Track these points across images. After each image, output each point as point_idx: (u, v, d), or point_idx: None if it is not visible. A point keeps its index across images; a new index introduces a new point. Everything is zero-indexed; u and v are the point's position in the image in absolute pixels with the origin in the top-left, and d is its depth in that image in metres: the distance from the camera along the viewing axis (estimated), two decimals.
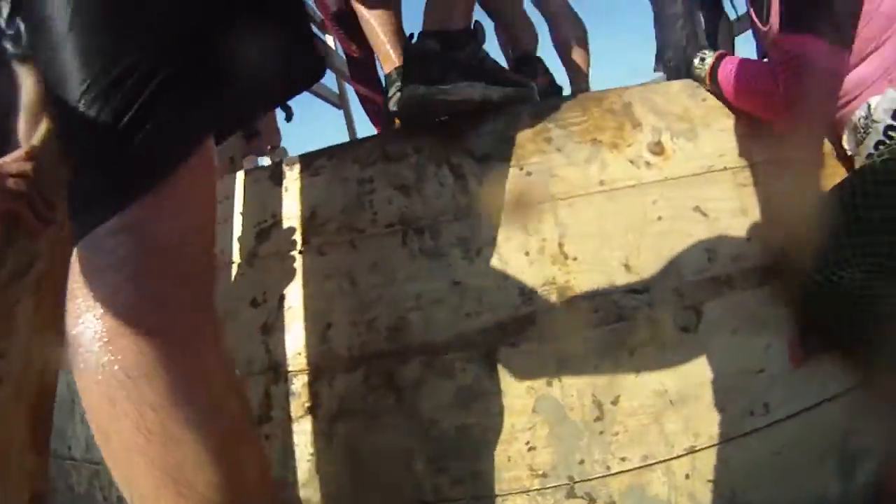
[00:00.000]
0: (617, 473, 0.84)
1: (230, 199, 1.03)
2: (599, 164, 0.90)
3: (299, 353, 0.90)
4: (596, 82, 1.87)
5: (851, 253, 0.82)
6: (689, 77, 1.04)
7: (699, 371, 0.88)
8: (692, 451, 0.86)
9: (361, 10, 1.16)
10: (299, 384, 0.91)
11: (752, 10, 1.08)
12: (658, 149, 0.92)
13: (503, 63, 1.85)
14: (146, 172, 0.49)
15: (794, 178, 0.96)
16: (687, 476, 0.85)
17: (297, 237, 0.93)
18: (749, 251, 0.92)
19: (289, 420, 0.91)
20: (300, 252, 0.93)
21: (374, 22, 1.11)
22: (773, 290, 0.92)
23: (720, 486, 0.86)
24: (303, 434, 0.90)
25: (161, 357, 0.46)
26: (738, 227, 0.93)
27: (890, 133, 0.88)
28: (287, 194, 0.96)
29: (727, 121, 0.98)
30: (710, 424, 0.87)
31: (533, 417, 0.85)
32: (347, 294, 0.89)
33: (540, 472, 0.84)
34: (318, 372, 0.89)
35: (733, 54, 1.06)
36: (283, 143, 3.10)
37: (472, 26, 0.93)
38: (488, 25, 2.00)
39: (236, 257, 0.98)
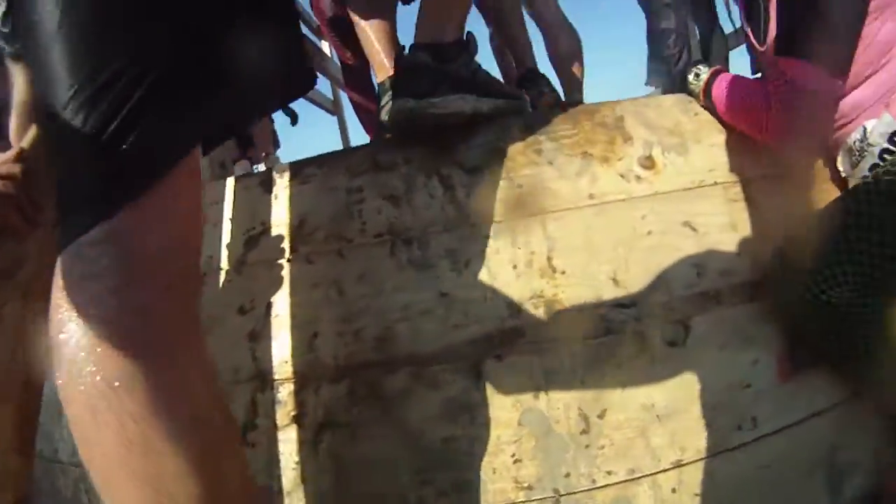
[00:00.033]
0: (603, 487, 0.85)
1: (220, 205, 1.03)
2: (590, 177, 0.91)
3: (286, 362, 0.91)
4: (589, 94, 1.90)
5: (842, 271, 0.83)
6: (684, 91, 1.06)
7: (686, 385, 0.88)
8: (679, 464, 0.87)
9: (357, 18, 1.18)
10: (285, 393, 0.91)
11: (749, 29, 1.10)
12: (649, 163, 0.93)
13: (497, 74, 1.89)
14: (131, 182, 0.49)
15: (785, 195, 0.98)
16: (673, 490, 0.85)
17: (286, 245, 0.94)
18: (738, 266, 0.93)
19: (274, 428, 0.91)
20: (288, 260, 0.93)
21: (369, 31, 1.12)
22: (761, 306, 0.93)
23: (707, 500, 0.86)
24: (288, 443, 0.90)
25: (142, 368, 0.47)
26: (727, 242, 0.94)
27: (885, 156, 0.88)
28: (276, 202, 0.97)
29: (719, 136, 0.99)
30: (696, 438, 0.88)
31: (519, 430, 0.85)
32: (335, 303, 0.89)
33: (525, 485, 0.85)
34: (304, 381, 0.90)
35: (727, 68, 1.08)
36: (282, 148, 3.15)
37: (465, 38, 0.94)
38: (482, 34, 2.04)
39: (224, 264, 0.99)
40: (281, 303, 0.93)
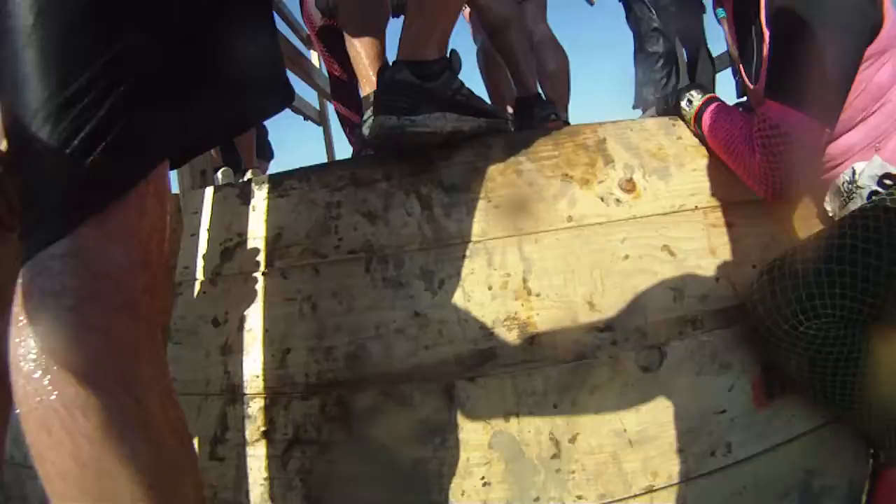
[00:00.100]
0: None
1: (199, 215, 1.05)
2: (568, 199, 0.92)
3: (257, 377, 0.91)
4: (576, 116, 1.94)
5: (821, 304, 0.84)
6: (673, 115, 1.08)
7: (660, 411, 0.90)
8: (650, 490, 0.88)
9: (347, 31, 1.20)
10: (255, 408, 0.92)
11: (741, 65, 1.11)
12: (629, 186, 0.94)
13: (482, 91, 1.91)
14: (95, 195, 0.49)
15: (766, 223, 1.00)
16: None
17: (261, 258, 0.94)
18: (716, 292, 0.95)
19: (244, 443, 0.91)
20: (263, 274, 0.94)
21: (357, 45, 1.13)
22: (738, 332, 0.94)
23: None
24: (257, 459, 0.91)
25: (98, 390, 0.47)
26: (706, 267, 0.95)
27: (874, 199, 0.90)
28: (254, 214, 0.97)
29: (701, 160, 1.00)
30: (669, 464, 0.89)
31: (489, 453, 0.86)
32: (307, 319, 0.90)
33: None
34: (274, 397, 0.90)
35: (714, 90, 1.10)
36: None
37: (448, 55, 0.95)
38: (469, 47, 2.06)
39: (200, 275, 0.99)
40: (254, 317, 0.93)
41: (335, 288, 0.91)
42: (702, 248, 0.96)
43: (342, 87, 1.74)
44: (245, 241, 0.98)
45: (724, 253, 0.97)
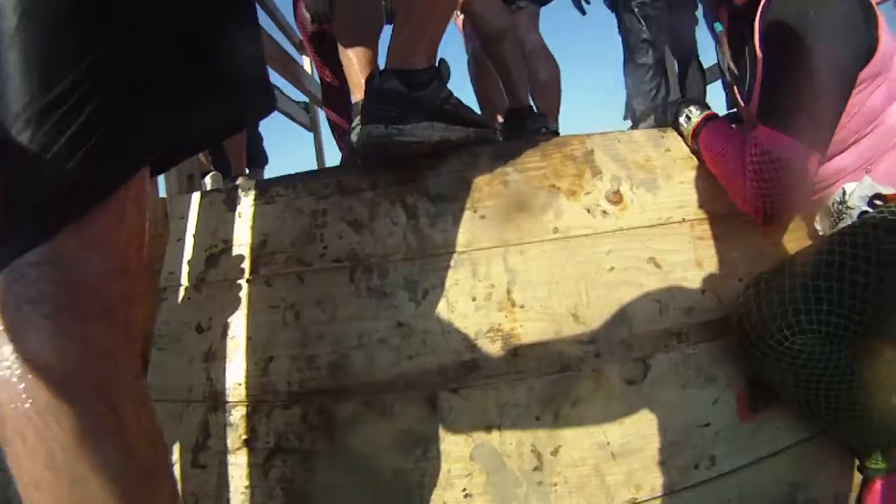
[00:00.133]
0: None
1: (185, 220, 1.06)
2: (555, 211, 0.93)
3: (239, 384, 0.91)
4: (566, 126, 1.96)
5: (807, 320, 0.84)
6: (663, 126, 1.09)
7: (644, 424, 0.90)
8: (633, 502, 0.88)
9: (340, 39, 1.21)
10: (238, 416, 0.92)
11: (735, 85, 1.11)
12: (616, 198, 0.95)
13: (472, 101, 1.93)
14: (74, 202, 0.49)
15: (753, 236, 1.01)
16: None
17: (246, 265, 0.94)
18: (702, 305, 0.96)
19: (225, 451, 0.91)
20: (248, 281, 0.94)
21: (350, 53, 1.14)
22: (724, 345, 0.95)
23: None
24: (238, 467, 0.91)
25: (73, 398, 0.47)
26: (692, 280, 0.96)
27: (863, 217, 0.90)
28: (240, 220, 0.98)
29: (689, 172, 1.01)
30: (652, 477, 0.89)
31: (471, 464, 0.86)
32: (291, 327, 0.90)
33: None
34: (256, 405, 0.91)
35: (704, 100, 1.11)
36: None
37: (437, 64, 0.95)
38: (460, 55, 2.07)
39: (185, 281, 1.00)
40: (238, 324, 0.93)
41: (319, 296, 0.91)
42: (688, 260, 0.97)
43: (333, 92, 1.75)
44: (230, 248, 0.98)
45: (711, 265, 0.98)
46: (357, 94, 1.15)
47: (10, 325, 0.48)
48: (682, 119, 1.06)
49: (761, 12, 0.93)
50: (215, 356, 0.95)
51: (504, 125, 1.66)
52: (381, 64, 1.19)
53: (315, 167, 3.25)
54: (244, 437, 0.92)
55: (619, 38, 2.08)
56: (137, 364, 0.55)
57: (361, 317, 0.90)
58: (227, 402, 0.93)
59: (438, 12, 0.94)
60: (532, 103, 1.75)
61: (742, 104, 1.07)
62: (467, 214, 0.93)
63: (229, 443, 0.92)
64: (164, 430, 0.94)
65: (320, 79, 1.85)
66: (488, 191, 0.94)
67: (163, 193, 1.19)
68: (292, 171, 1.03)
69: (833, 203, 0.96)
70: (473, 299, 0.89)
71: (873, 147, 0.93)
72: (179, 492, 0.88)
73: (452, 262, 0.91)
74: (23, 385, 0.47)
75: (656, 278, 0.94)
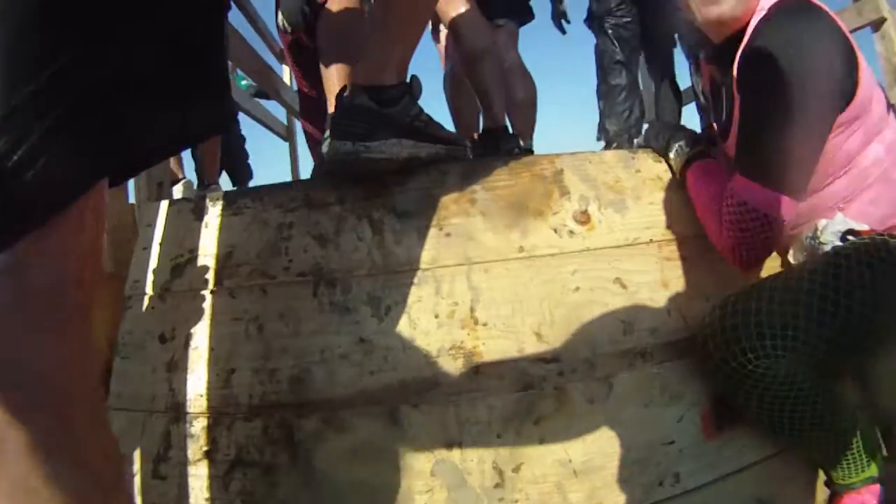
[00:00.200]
0: None
1: (152, 228, 1.07)
2: (521, 230, 0.95)
3: (201, 396, 0.92)
4: (541, 146, 2.00)
5: (772, 344, 0.86)
6: (633, 146, 1.11)
7: (606, 442, 0.92)
8: None
9: (323, 51, 1.22)
10: (199, 427, 0.92)
11: (714, 121, 1.13)
12: (584, 218, 0.97)
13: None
14: (30, 213, 0.49)
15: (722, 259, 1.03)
16: None
17: (210, 276, 0.95)
18: (667, 325, 0.98)
19: (186, 463, 0.92)
20: (212, 292, 0.95)
21: (332, 67, 1.16)
22: (689, 364, 0.97)
23: None
24: (199, 479, 0.91)
25: (24, 410, 0.47)
26: (657, 300, 0.98)
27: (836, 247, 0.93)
28: (206, 230, 0.99)
29: (658, 194, 1.03)
30: (615, 494, 0.91)
31: (431, 480, 0.87)
32: (253, 340, 0.91)
33: None
34: (217, 417, 0.91)
35: (679, 121, 1.13)
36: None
37: (409, 80, 0.96)
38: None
39: (149, 289, 1.01)
40: (200, 335, 0.94)
41: (282, 310, 0.92)
42: (654, 280, 0.99)
43: (310, 103, 1.77)
44: (196, 258, 0.99)
45: (677, 286, 1.00)
46: (333, 107, 1.16)
47: None
48: (672, 154, 1.08)
49: (740, 56, 0.95)
50: (178, 366, 0.96)
51: (477, 144, 1.69)
52: None
53: (290, 178, 3.31)
54: (205, 448, 0.93)
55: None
56: (92, 375, 0.56)
57: (324, 331, 0.91)
58: (189, 413, 0.94)
59: (410, 29, 0.95)
60: (508, 123, 1.78)
61: (719, 141, 1.09)
62: (433, 232, 0.94)
63: (190, 454, 0.93)
64: (127, 440, 0.97)
65: (299, 90, 1.88)
66: (455, 209, 0.95)
67: (132, 199, 1.21)
68: (268, 181, 1.03)
69: (806, 238, 0.98)
70: (436, 316, 0.91)
71: (847, 188, 0.95)
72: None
73: (416, 279, 0.92)
74: None
75: (622, 298, 0.96)
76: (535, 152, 1.83)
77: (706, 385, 0.98)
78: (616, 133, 1.96)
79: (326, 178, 0.98)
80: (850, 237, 0.94)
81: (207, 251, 0.99)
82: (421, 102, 0.98)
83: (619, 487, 0.92)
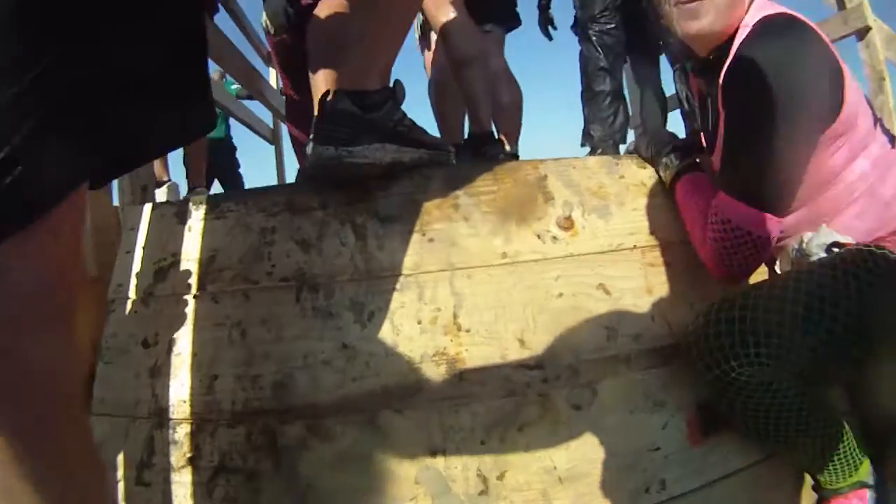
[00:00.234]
0: None
1: (135, 231, 1.07)
2: (504, 236, 0.95)
3: (184, 402, 0.92)
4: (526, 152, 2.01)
5: (755, 353, 0.87)
6: (617, 153, 1.12)
7: (591, 448, 0.93)
8: None
9: (312, 55, 1.23)
10: (182, 433, 0.93)
11: (701, 131, 1.14)
12: (567, 224, 0.97)
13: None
14: (10, 217, 0.49)
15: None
16: None
17: (193, 281, 0.96)
18: (651, 331, 0.99)
19: (170, 469, 0.92)
20: (195, 297, 0.95)
21: (319, 75, 1.17)
22: (673, 370, 0.98)
23: None
24: (182, 485, 0.92)
25: (5, 415, 0.48)
26: (641, 306, 0.99)
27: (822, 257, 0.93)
28: (189, 234, 0.99)
29: (642, 199, 1.04)
30: (600, 501, 0.92)
31: (415, 488, 0.88)
32: (236, 346, 0.92)
33: None
34: (201, 423, 0.92)
35: (684, 143, 1.12)
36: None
37: (392, 85, 0.97)
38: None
39: (133, 293, 1.01)
40: (183, 340, 0.95)
41: (265, 315, 0.92)
42: (638, 287, 1.00)
43: (295, 106, 1.78)
44: (179, 262, 0.99)
45: (661, 292, 1.01)
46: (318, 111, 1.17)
47: None
48: (660, 168, 1.09)
49: (725, 73, 0.95)
50: (161, 372, 0.96)
51: (462, 149, 1.70)
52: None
53: (276, 180, 3.34)
54: (189, 455, 0.93)
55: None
56: (75, 379, 0.57)
57: (306, 337, 0.91)
58: (172, 420, 0.95)
59: (392, 34, 0.96)
60: (494, 128, 1.79)
61: (706, 153, 1.10)
62: (416, 237, 0.95)
63: (173, 461, 0.93)
64: (110, 446, 0.97)
65: (285, 94, 1.89)
66: (438, 214, 0.96)
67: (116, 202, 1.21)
68: (254, 184, 1.04)
69: (792, 250, 0.99)
70: (419, 322, 0.91)
71: (831, 202, 0.96)
72: None
73: (399, 285, 0.92)
74: None
75: (605, 304, 0.97)
76: (521, 158, 1.85)
77: (691, 391, 0.99)
78: (601, 139, 1.98)
79: (310, 183, 0.99)
80: (835, 249, 0.95)
81: (190, 255, 0.99)
82: (405, 107, 0.99)
83: (604, 494, 0.93)
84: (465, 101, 1.72)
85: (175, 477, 0.93)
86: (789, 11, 0.94)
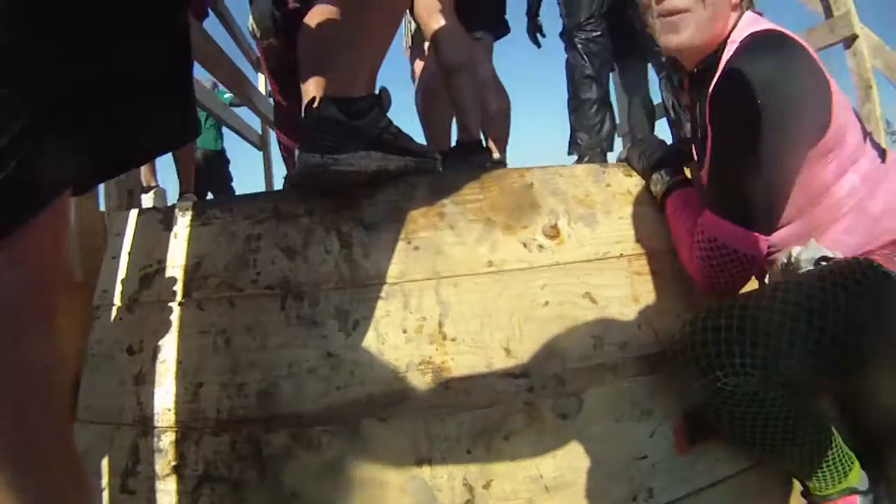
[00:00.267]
0: None
1: (121, 237, 1.07)
2: (490, 244, 0.96)
3: (169, 409, 0.93)
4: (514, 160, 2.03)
5: (741, 363, 0.87)
6: (605, 161, 1.13)
7: (577, 457, 0.93)
8: None
9: (303, 63, 1.23)
10: (167, 441, 0.93)
11: (692, 142, 1.15)
12: (553, 232, 0.98)
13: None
14: (3, 221, 0.50)
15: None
16: None
17: (179, 288, 0.96)
18: (637, 339, 0.99)
19: (154, 477, 0.92)
20: (180, 304, 0.96)
21: (310, 83, 1.17)
22: (660, 379, 0.99)
23: None
24: (167, 494, 0.91)
25: None
26: (628, 314, 0.99)
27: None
28: (175, 241, 0.99)
29: (629, 208, 1.05)
30: None
31: (401, 497, 0.88)
32: (221, 353, 0.92)
33: None
34: (185, 431, 0.92)
35: (674, 159, 1.13)
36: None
37: (378, 92, 0.98)
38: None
39: (118, 300, 1.01)
40: (168, 347, 0.95)
41: (250, 323, 0.93)
42: (625, 295, 1.01)
43: (283, 112, 1.79)
44: (164, 269, 0.99)
45: (648, 300, 1.02)
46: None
47: None
48: (651, 181, 1.10)
49: (712, 91, 0.95)
50: (146, 379, 0.96)
51: (448, 157, 1.71)
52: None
53: (264, 187, 3.35)
54: (173, 463, 0.93)
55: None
56: (58, 384, 0.57)
57: (291, 345, 0.92)
58: (157, 427, 0.95)
59: (376, 40, 0.96)
60: (482, 136, 1.80)
61: (696, 159, 1.11)
62: (401, 245, 0.95)
63: (158, 469, 0.94)
64: (95, 453, 0.97)
65: (273, 100, 1.90)
66: (424, 222, 0.97)
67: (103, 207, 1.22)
68: (242, 190, 1.04)
69: (781, 265, 1.00)
70: (404, 331, 0.92)
71: (820, 218, 0.97)
72: None
73: (384, 293, 0.93)
74: None
75: (592, 313, 0.98)
76: (509, 165, 1.86)
77: (678, 399, 1.00)
78: (588, 147, 1.99)
79: (296, 190, 0.99)
80: (823, 263, 0.95)
81: (176, 262, 0.99)
82: (391, 114, 1.00)
83: (591, 503, 0.93)
84: (453, 108, 1.73)
85: (160, 485, 0.93)
86: (778, 28, 0.95)
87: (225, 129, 3.51)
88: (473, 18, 1.82)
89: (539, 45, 2.55)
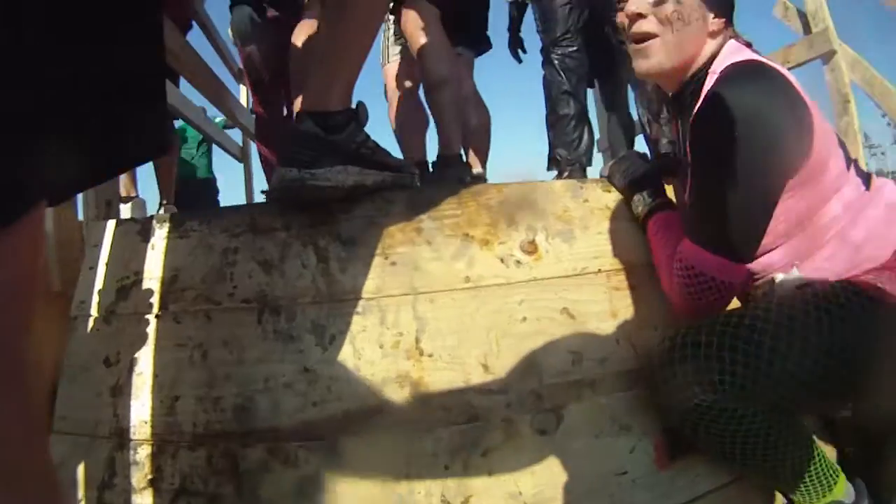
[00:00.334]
0: None
1: (99, 248, 1.08)
2: (467, 260, 0.98)
3: (145, 423, 0.94)
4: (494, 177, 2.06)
5: (720, 380, 0.89)
6: (583, 175, 1.15)
7: (557, 473, 0.95)
8: None
9: (294, 74, 1.25)
10: (143, 454, 0.94)
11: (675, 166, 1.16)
12: (531, 248, 1.00)
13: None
14: None
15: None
16: None
17: (155, 300, 0.98)
18: (617, 354, 1.01)
19: (131, 491, 0.94)
20: (157, 316, 0.97)
21: (298, 100, 1.19)
22: (639, 394, 1.01)
23: None
24: None
25: None
26: (606, 330, 1.01)
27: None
28: (152, 252, 1.01)
29: (606, 223, 1.07)
30: None
31: None
32: (197, 367, 0.93)
33: None
34: (162, 445, 0.93)
35: (655, 180, 1.15)
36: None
37: (355, 106, 0.99)
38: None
39: (95, 311, 1.03)
40: (145, 360, 0.96)
41: (226, 337, 0.94)
42: (603, 310, 1.03)
43: (264, 123, 1.82)
44: (141, 281, 1.01)
45: (626, 315, 1.04)
46: None
47: None
48: (633, 203, 1.11)
49: (692, 121, 0.97)
50: (122, 392, 0.97)
51: (427, 171, 1.74)
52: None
53: (244, 199, 3.39)
54: (150, 476, 0.94)
55: None
56: (33, 395, 0.56)
57: (268, 360, 0.93)
58: (133, 440, 0.96)
59: (352, 54, 0.97)
60: (462, 151, 1.83)
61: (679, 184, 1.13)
62: (378, 260, 0.97)
63: (135, 482, 0.95)
64: (71, 465, 0.99)
65: (254, 113, 1.92)
66: (401, 237, 0.98)
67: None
68: (223, 203, 1.06)
69: (762, 293, 1.02)
70: (381, 347, 0.94)
71: (802, 245, 0.99)
72: None
73: (361, 308, 0.95)
74: None
75: (570, 328, 1.00)
76: (489, 180, 1.89)
77: (657, 415, 1.01)
78: (566, 162, 2.02)
79: (272, 204, 1.01)
80: (808, 289, 0.97)
81: (153, 274, 1.01)
82: (368, 129, 1.01)
83: None
84: (435, 122, 1.76)
85: (136, 499, 0.95)
86: (759, 58, 0.96)
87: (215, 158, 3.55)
88: (455, 34, 1.85)
89: (520, 61, 2.59)
